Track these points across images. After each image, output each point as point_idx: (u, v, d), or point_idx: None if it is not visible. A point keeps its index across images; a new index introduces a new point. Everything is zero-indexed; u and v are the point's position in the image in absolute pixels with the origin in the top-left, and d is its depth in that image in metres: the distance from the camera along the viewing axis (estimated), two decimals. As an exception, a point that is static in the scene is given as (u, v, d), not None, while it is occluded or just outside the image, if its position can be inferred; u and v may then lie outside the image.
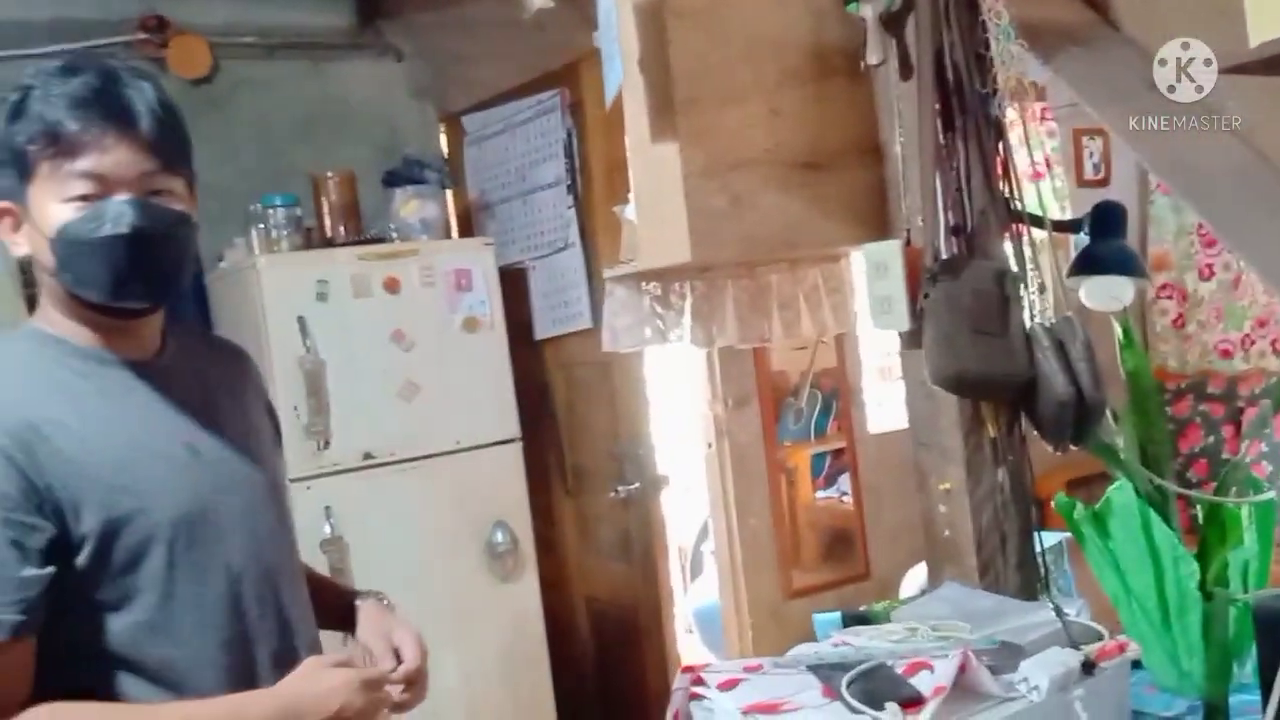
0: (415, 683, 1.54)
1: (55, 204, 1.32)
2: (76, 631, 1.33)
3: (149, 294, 1.39)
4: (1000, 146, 1.79)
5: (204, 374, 1.52)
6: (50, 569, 1.28)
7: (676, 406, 3.90)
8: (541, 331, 3.63)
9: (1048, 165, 3.73)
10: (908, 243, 1.77)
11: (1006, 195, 1.79)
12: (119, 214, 1.32)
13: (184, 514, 1.38)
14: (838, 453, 3.60)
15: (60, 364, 1.38)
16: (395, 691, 1.51)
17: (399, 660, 1.56)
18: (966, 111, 1.75)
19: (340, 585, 1.74)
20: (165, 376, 1.44)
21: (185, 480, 1.40)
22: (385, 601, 1.67)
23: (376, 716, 1.44)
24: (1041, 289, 1.72)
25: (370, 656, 1.55)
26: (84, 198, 1.32)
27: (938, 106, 1.75)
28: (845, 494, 3.64)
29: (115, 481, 1.33)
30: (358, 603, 1.65)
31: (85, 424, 1.34)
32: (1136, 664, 1.65)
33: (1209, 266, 4.32)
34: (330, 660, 1.45)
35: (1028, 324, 1.70)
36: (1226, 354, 4.30)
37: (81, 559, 1.31)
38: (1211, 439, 4.14)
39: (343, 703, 1.37)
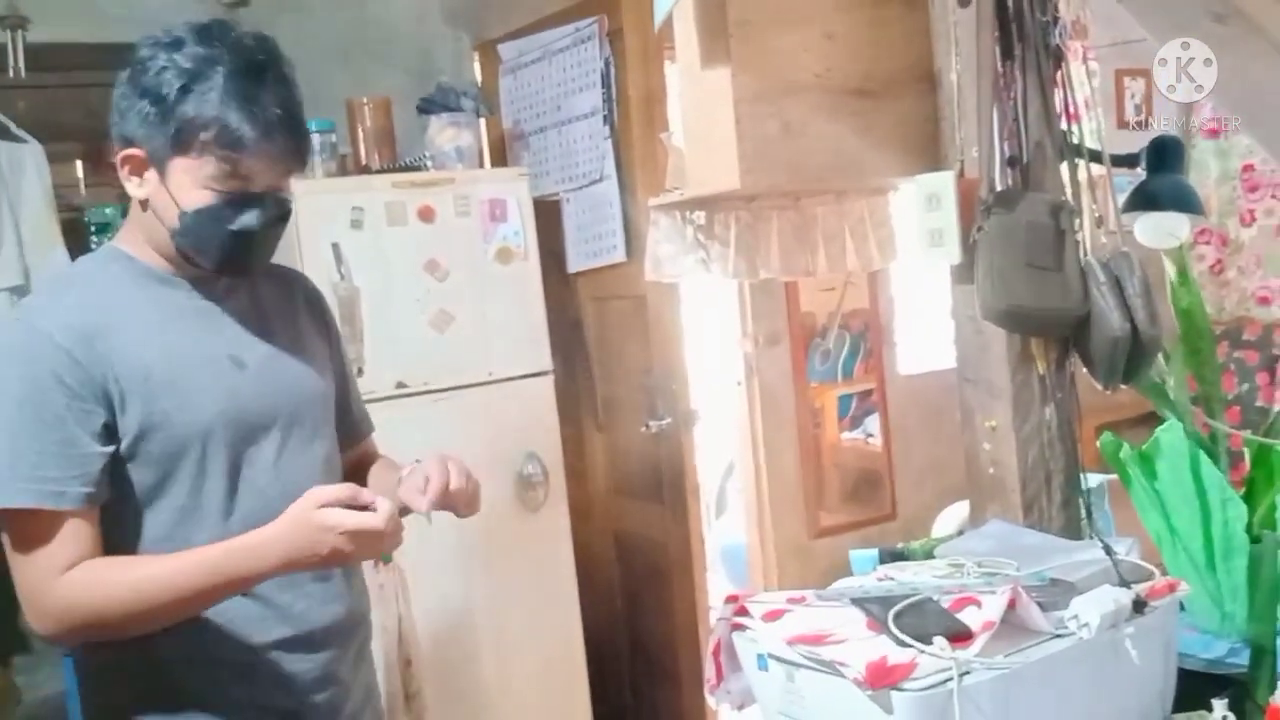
0: (458, 490, 1.59)
1: (197, 187, 1.49)
2: (121, 514, 1.51)
3: (247, 269, 1.61)
4: (1059, 78, 1.75)
5: (258, 294, 1.69)
6: (111, 447, 1.48)
7: (705, 343, 3.88)
8: (575, 264, 3.60)
9: (1086, 106, 3.67)
10: (961, 174, 1.74)
11: (1064, 128, 1.75)
12: (249, 216, 1.51)
13: (220, 413, 1.54)
14: (864, 394, 3.59)
15: (127, 279, 1.57)
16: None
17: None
18: (1025, 40, 1.71)
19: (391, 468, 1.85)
20: (221, 295, 1.62)
21: (225, 386, 1.57)
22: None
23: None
24: (1099, 223, 1.69)
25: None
26: (223, 191, 1.49)
27: (996, 34, 1.71)
28: (871, 435, 3.63)
29: (160, 380, 1.51)
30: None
31: (140, 330, 1.53)
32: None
33: (1250, 212, 4.25)
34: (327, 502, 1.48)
35: (1083, 259, 1.67)
36: (1265, 301, 4.24)
37: (126, 445, 1.49)
38: (1245, 386, 4.09)
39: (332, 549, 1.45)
